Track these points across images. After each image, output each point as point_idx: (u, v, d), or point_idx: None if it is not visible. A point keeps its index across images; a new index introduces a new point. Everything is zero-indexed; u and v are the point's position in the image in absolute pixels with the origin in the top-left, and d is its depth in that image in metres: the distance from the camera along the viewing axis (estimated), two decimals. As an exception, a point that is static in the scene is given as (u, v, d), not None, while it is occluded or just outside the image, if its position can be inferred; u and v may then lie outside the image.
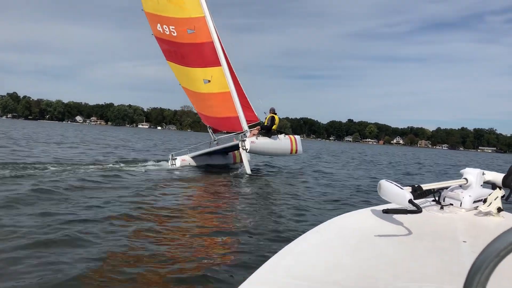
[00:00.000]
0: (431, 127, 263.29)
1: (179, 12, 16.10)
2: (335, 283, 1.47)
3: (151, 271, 4.56)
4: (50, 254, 4.83)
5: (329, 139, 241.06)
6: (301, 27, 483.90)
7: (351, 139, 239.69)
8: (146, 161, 17.09)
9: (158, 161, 17.05)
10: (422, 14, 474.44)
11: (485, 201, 2.71)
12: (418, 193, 2.59)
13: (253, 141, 15.74)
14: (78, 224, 6.20)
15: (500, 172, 2.97)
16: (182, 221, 6.99)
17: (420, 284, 1.54)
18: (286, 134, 17.97)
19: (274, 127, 17.07)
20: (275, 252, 1.75)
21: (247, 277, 1.44)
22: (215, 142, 18.38)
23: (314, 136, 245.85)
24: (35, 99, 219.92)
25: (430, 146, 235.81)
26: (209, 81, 16.97)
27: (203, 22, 16.15)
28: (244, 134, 16.59)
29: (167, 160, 16.51)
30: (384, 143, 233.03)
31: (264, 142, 16.36)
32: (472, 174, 2.89)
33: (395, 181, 2.36)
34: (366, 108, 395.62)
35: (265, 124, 17.14)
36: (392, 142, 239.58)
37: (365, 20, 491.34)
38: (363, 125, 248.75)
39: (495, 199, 2.67)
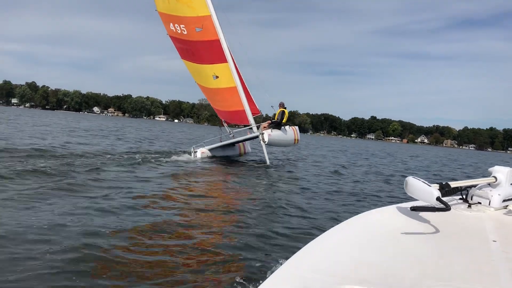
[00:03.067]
0: (457, 127, 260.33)
1: (187, 11, 17.50)
2: (362, 280, 1.48)
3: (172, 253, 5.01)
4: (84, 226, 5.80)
5: (351, 136, 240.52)
6: (327, 23, 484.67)
7: (373, 137, 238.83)
8: (172, 152, 18.91)
9: (183, 152, 18.90)
10: (452, 11, 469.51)
11: None
12: (445, 190, 2.59)
13: (270, 134, 17.65)
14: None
15: None
16: (210, 211, 7.54)
17: (448, 283, 1.53)
18: (289, 125, 19.57)
19: (284, 120, 18.75)
20: (300, 247, 1.77)
21: (272, 272, 1.47)
22: (231, 135, 20.04)
23: (335, 133, 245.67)
24: (53, 88, 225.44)
25: (456, 146, 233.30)
26: (217, 77, 18.47)
27: (209, 20, 17.52)
28: (260, 128, 18.25)
29: (189, 152, 18.29)
30: (408, 142, 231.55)
31: (278, 134, 18.26)
32: (502, 172, 2.85)
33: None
34: (390, 106, 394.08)
35: (276, 118, 18.80)
36: (416, 141, 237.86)
37: (392, 17, 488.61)
38: (386, 122, 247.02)
39: None
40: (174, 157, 16.75)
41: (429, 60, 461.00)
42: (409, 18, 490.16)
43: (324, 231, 2.03)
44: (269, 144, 18.23)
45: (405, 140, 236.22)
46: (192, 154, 17.96)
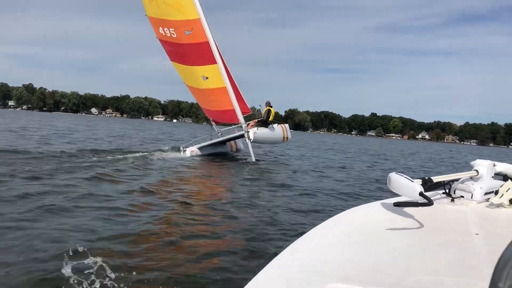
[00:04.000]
0: (458, 122, 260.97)
1: (177, 15, 18.11)
2: (348, 278, 1.48)
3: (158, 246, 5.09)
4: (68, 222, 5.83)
5: (351, 134, 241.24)
6: (326, 20, 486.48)
7: (374, 134, 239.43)
8: (161, 151, 19.28)
9: (172, 151, 19.36)
10: (451, 7, 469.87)
11: (496, 192, 2.75)
12: (428, 185, 2.63)
13: (255, 132, 18.33)
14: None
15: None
16: (193, 209, 7.60)
17: (433, 277, 1.55)
18: (278, 123, 20.35)
19: (270, 118, 19.50)
20: (285, 246, 1.77)
21: (257, 272, 1.47)
22: (219, 134, 20.64)
23: (335, 130, 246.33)
24: (50, 90, 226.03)
25: (457, 141, 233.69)
26: (207, 78, 19.10)
27: (199, 24, 18.16)
28: (246, 126, 18.90)
29: (179, 151, 18.82)
30: (408, 138, 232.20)
31: (263, 132, 18.93)
32: (483, 166, 2.92)
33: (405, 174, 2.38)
34: (391, 103, 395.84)
35: (262, 116, 19.56)
36: (417, 137, 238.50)
37: (392, 13, 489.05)
38: (387, 119, 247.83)
39: (507, 191, 2.70)
40: (162, 155, 17.25)
41: (429, 56, 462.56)
42: (408, 14, 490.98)
43: (309, 229, 2.02)
44: (256, 142, 18.85)
45: (405, 137, 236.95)
46: (182, 152, 18.50)
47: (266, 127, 19.18)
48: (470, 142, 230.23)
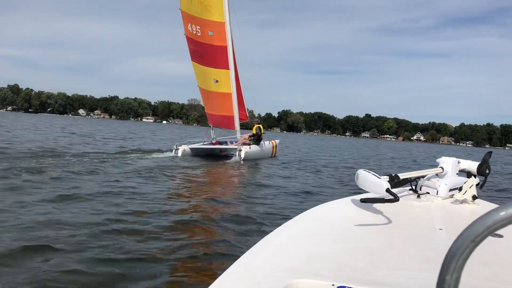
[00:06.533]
0: (454, 123, 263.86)
1: (205, 13, 19.72)
2: (314, 273, 1.51)
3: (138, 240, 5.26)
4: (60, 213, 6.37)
5: (345, 135, 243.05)
6: (322, 22, 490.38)
7: (368, 135, 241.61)
8: (155, 150, 20.83)
9: (164, 150, 20.84)
10: (446, 9, 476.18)
11: (460, 189, 2.86)
12: (395, 182, 2.70)
13: (247, 151, 19.62)
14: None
15: (475, 161, 3.18)
16: (176, 204, 8.11)
17: (398, 272, 1.60)
18: (270, 141, 22.35)
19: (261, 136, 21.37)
20: (255, 242, 1.81)
21: (226, 268, 1.52)
22: (214, 141, 21.94)
23: (329, 131, 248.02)
24: (36, 91, 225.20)
25: (453, 143, 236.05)
26: (217, 81, 20.71)
27: (222, 27, 19.80)
28: (240, 138, 20.58)
29: (171, 150, 20.22)
30: (403, 140, 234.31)
31: (254, 151, 20.38)
32: (448, 163, 3.04)
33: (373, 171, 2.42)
34: (385, 104, 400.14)
35: (254, 132, 21.15)
36: (412, 138, 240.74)
37: (387, 15, 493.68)
38: (381, 120, 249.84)
39: (470, 187, 2.81)
40: (157, 154, 18.76)
41: (423, 57, 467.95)
42: (403, 15, 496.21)
43: (279, 225, 2.04)
44: (246, 159, 19.73)
45: (400, 138, 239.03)
46: (174, 151, 19.82)
47: (258, 144, 20.79)
48: (466, 144, 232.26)
